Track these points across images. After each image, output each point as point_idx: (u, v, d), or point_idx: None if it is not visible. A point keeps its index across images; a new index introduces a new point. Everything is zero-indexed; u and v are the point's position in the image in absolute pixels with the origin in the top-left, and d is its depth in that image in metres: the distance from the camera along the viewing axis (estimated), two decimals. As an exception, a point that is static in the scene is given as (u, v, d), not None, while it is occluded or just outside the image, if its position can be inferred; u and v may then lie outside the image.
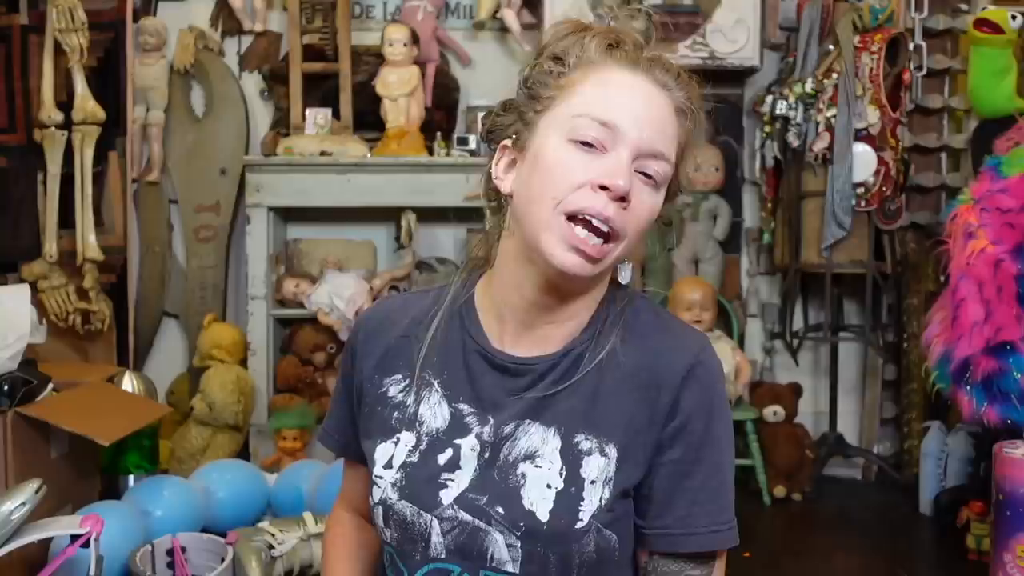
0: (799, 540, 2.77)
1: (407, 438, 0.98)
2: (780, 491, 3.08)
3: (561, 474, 0.92)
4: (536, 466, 0.93)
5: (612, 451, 0.93)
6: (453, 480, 0.95)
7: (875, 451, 3.36)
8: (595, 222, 0.88)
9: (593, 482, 0.92)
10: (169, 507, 2.22)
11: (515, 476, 0.93)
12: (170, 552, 2.08)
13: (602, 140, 0.89)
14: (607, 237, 0.89)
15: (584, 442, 0.93)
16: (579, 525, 0.91)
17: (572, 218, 0.89)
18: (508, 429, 0.95)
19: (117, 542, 1.97)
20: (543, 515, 0.91)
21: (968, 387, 2.24)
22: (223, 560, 2.03)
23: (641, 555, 0.97)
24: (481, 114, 3.23)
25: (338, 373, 1.11)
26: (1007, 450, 2.05)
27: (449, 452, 0.96)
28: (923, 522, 2.87)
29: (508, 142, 0.97)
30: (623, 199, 0.88)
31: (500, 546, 0.92)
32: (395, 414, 1.00)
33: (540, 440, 0.94)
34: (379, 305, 1.10)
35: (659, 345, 0.96)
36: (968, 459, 2.82)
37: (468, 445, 0.96)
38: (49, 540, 1.96)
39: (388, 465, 0.98)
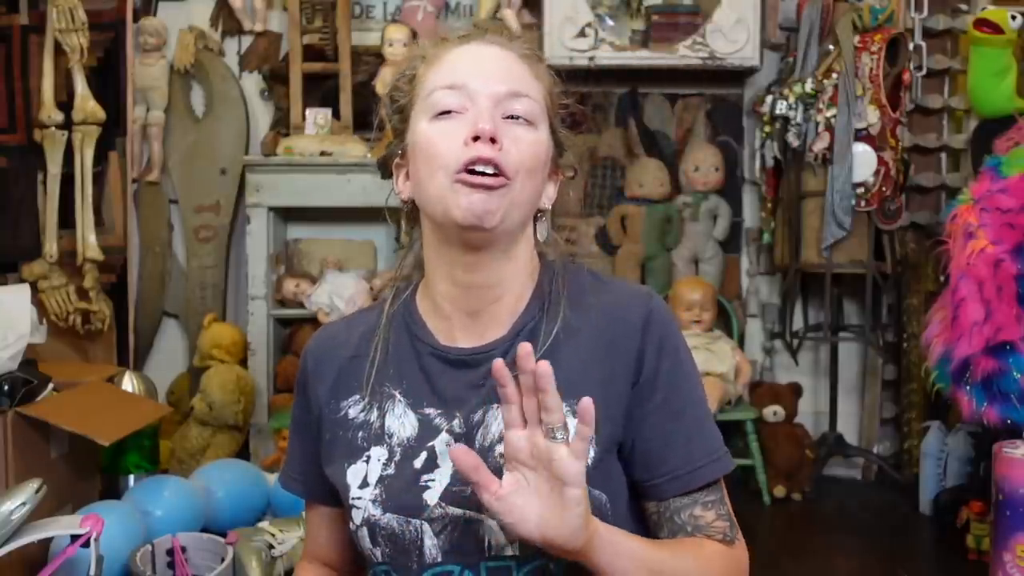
0: (799, 540, 2.77)
1: (378, 453, 0.98)
2: (780, 491, 3.08)
3: None
4: None
5: None
6: (434, 479, 0.94)
7: (875, 451, 3.36)
8: (480, 167, 0.91)
9: None
10: (169, 507, 2.22)
11: (494, 458, 0.93)
12: (170, 552, 2.08)
13: (460, 103, 0.94)
14: (498, 175, 0.92)
15: None
16: None
17: (462, 174, 0.92)
18: (477, 417, 0.96)
19: (117, 542, 1.96)
20: None
21: (968, 387, 2.24)
22: (223, 560, 2.02)
23: (649, 506, 0.98)
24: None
25: (291, 413, 1.11)
26: (1007, 450, 2.05)
27: (424, 455, 0.96)
28: (923, 522, 2.87)
29: (398, 160, 1.03)
30: (494, 141, 0.91)
31: (496, 531, 0.91)
32: (360, 433, 1.00)
33: None
34: (323, 330, 1.10)
35: (609, 304, 0.99)
36: (968, 459, 2.82)
37: (442, 442, 0.96)
38: (49, 540, 1.96)
39: (364, 484, 0.97)
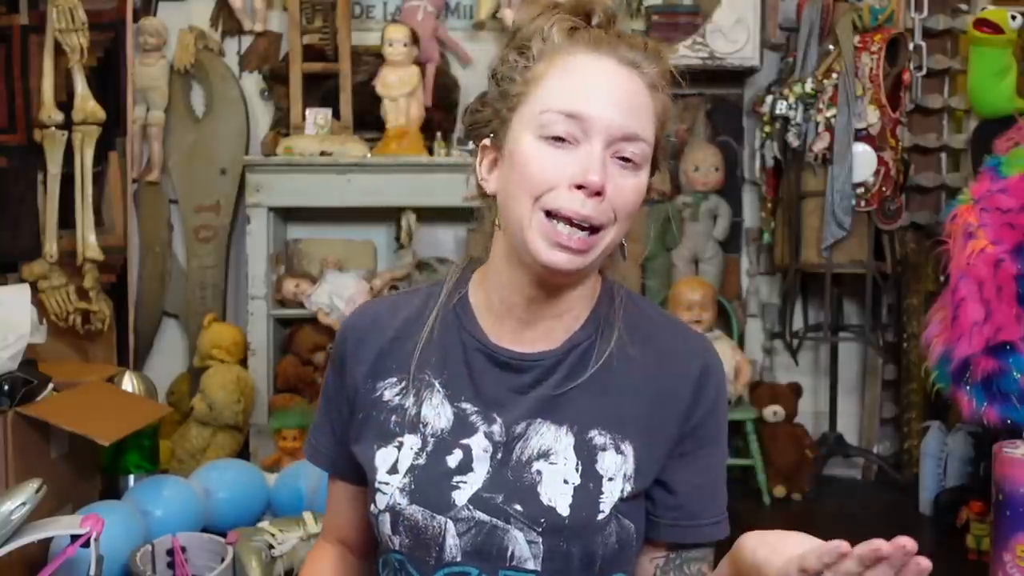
0: (799, 540, 2.77)
1: (411, 441, 0.96)
2: (780, 491, 3.08)
3: (577, 470, 0.92)
4: (551, 463, 0.93)
5: (628, 448, 0.93)
6: (466, 481, 0.93)
7: (875, 451, 3.36)
8: (575, 220, 0.88)
9: (611, 479, 0.92)
10: (169, 507, 2.22)
11: (530, 473, 0.92)
12: (170, 552, 2.08)
13: (572, 132, 0.87)
14: (591, 230, 0.89)
15: (598, 437, 0.94)
16: (601, 516, 0.91)
17: (552, 215, 0.88)
18: (519, 429, 0.94)
19: (117, 542, 1.96)
20: (563, 509, 0.91)
21: (968, 387, 2.24)
22: (223, 560, 2.02)
23: (648, 548, 0.98)
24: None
25: (324, 384, 1.08)
26: (1007, 450, 2.05)
27: (458, 453, 0.94)
28: (923, 522, 2.87)
29: (487, 141, 0.96)
30: (599, 193, 0.87)
31: (520, 543, 0.91)
32: (393, 417, 0.98)
33: (553, 438, 0.94)
34: (365, 309, 1.06)
35: (669, 346, 0.98)
36: (968, 459, 2.82)
37: (479, 445, 0.94)
38: (49, 540, 1.96)
39: (393, 470, 0.95)
